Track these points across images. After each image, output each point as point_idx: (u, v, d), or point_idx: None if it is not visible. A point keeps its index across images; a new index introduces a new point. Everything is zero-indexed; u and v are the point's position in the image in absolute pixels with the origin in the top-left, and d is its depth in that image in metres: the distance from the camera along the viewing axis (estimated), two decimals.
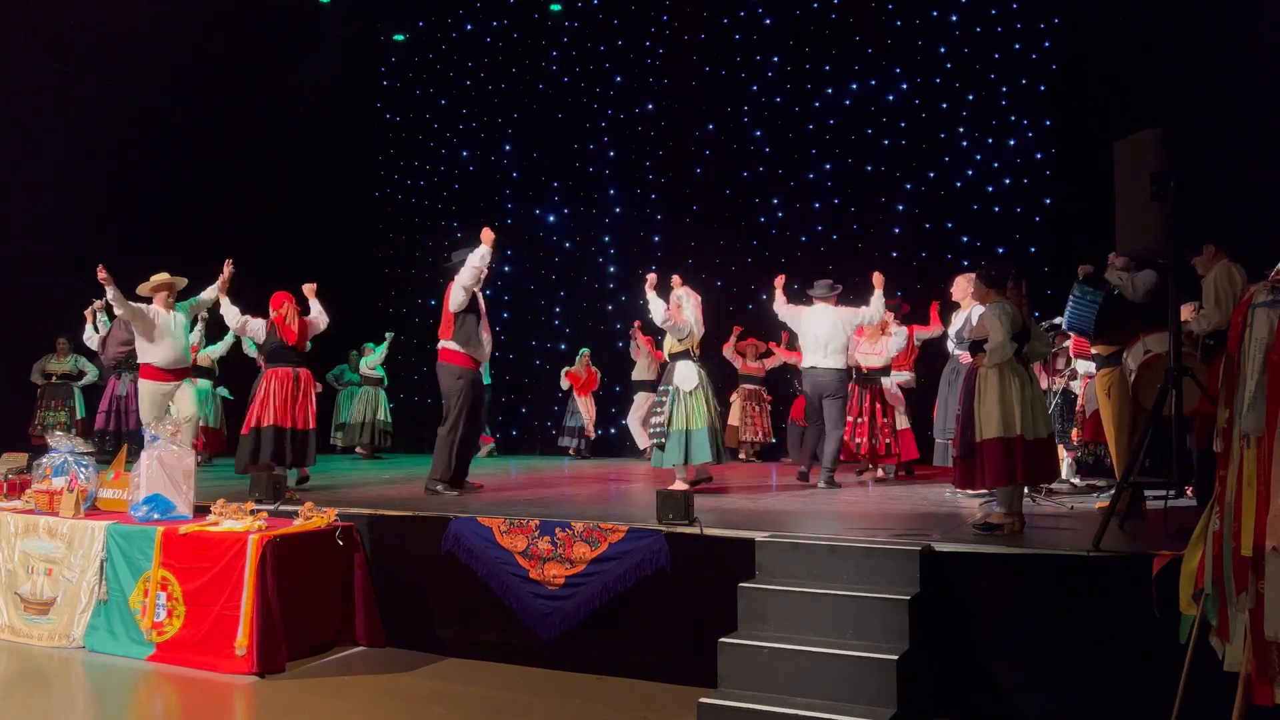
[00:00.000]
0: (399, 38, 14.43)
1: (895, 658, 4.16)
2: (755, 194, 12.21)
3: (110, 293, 7.40)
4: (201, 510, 6.00)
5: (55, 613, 5.96)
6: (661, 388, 7.42)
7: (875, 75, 11.62)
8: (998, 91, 11.05)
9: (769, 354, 11.19)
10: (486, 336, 7.20)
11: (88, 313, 9.35)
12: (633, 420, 11.80)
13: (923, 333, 8.92)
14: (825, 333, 7.70)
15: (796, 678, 4.28)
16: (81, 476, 6.29)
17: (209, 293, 7.94)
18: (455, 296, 6.97)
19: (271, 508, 6.13)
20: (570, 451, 12.36)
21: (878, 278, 7.80)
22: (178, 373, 7.76)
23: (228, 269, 7.80)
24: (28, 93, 10.37)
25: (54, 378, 10.73)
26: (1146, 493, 5.82)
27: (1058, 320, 6.86)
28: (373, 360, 12.18)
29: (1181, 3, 9.15)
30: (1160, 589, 3.95)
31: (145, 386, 7.64)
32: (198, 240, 11.18)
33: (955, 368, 7.51)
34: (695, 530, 5.16)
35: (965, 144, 11.18)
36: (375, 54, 14.48)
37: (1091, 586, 4.39)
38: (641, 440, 11.71)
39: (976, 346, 5.26)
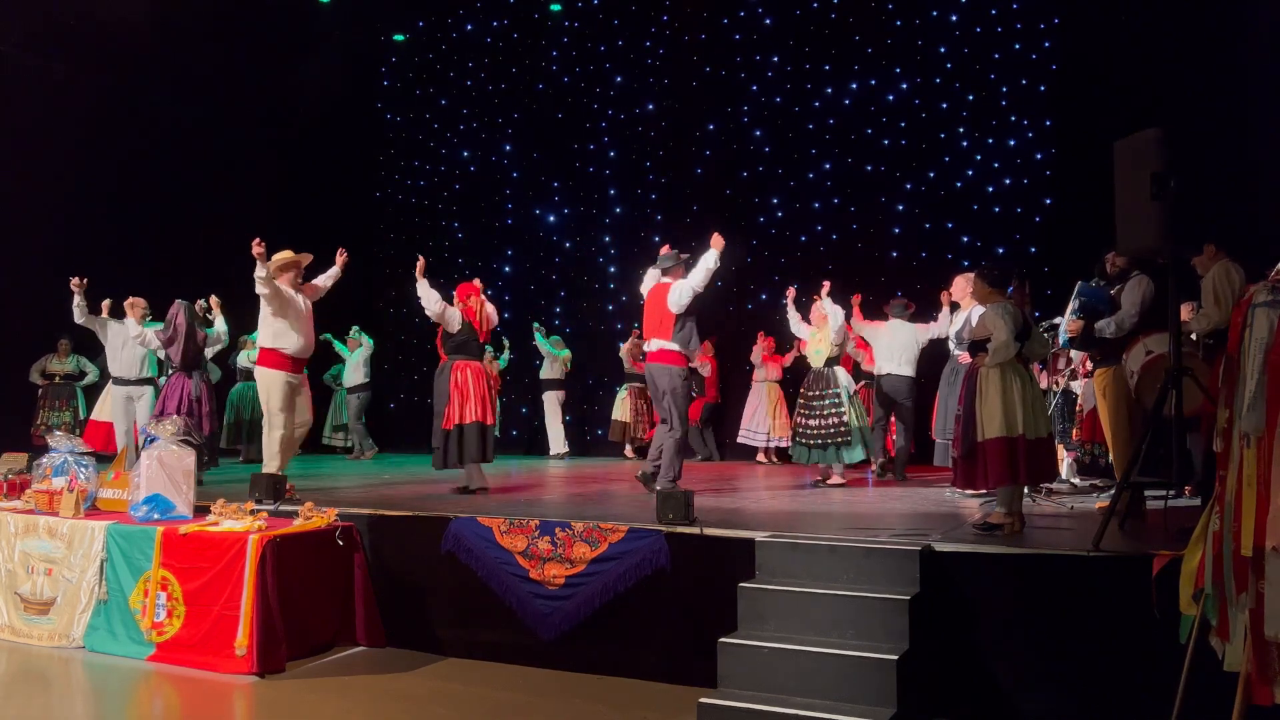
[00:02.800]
0: (399, 38, 14.41)
1: (895, 658, 4.16)
2: (755, 194, 12.19)
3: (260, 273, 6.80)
4: (201, 510, 6.01)
5: (55, 613, 5.96)
6: (828, 391, 7.97)
7: (875, 75, 11.61)
8: (998, 91, 11.04)
9: None
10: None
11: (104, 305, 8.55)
12: (550, 421, 11.96)
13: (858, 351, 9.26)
14: (901, 344, 8.49)
15: (796, 678, 4.28)
16: (81, 476, 6.30)
17: (324, 279, 7.50)
18: (682, 298, 6.86)
19: (271, 508, 6.14)
20: None
21: (945, 296, 8.43)
22: (303, 364, 7.15)
23: (342, 257, 7.51)
24: (28, 93, 10.36)
25: (57, 378, 10.65)
26: (1146, 493, 5.82)
27: (1057, 320, 6.85)
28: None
29: (1181, 3, 9.14)
30: (1160, 589, 3.95)
31: (271, 377, 6.98)
32: (198, 240, 11.21)
33: (954, 368, 7.52)
34: (695, 530, 5.17)
35: (965, 144, 11.17)
36: (375, 54, 14.46)
37: (1091, 586, 4.39)
38: (559, 442, 11.87)
39: (977, 347, 5.25)
